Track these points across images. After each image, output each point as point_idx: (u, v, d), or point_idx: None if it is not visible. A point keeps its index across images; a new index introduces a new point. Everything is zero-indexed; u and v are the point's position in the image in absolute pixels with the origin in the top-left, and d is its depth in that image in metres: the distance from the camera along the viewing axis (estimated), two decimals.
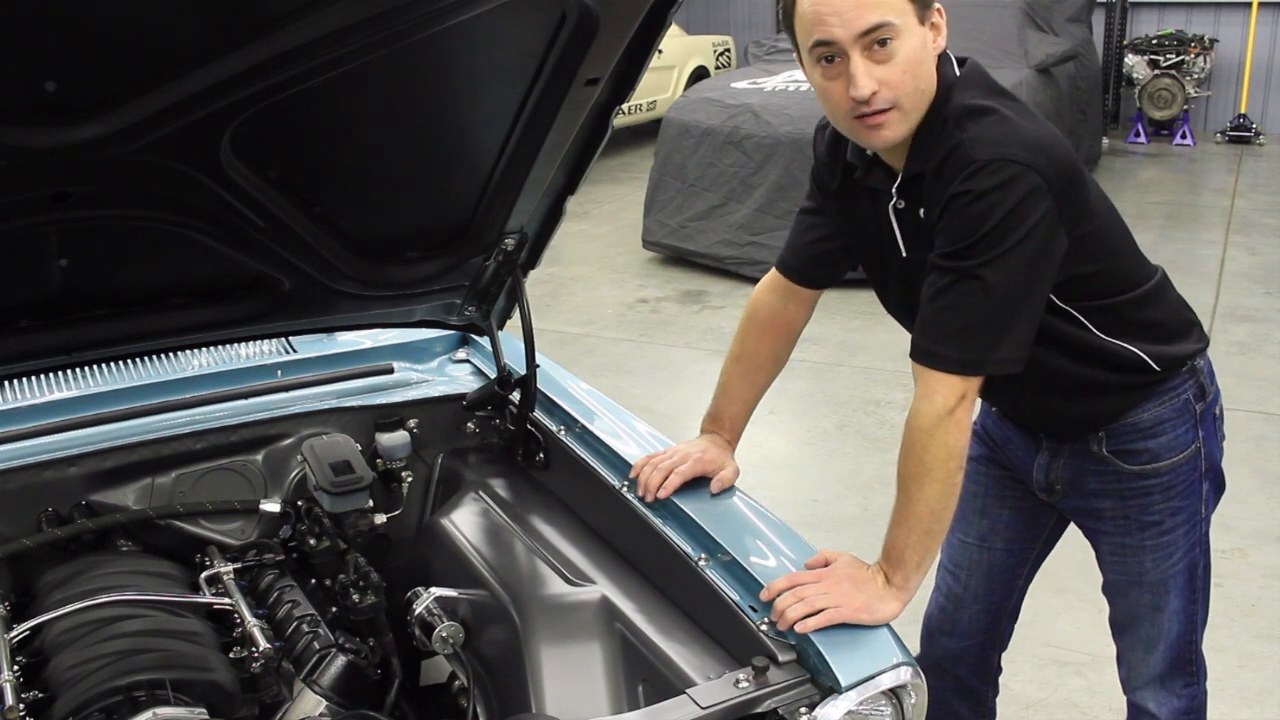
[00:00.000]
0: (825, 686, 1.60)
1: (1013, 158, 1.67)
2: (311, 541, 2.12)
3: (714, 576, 1.79)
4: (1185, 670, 2.11)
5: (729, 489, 1.99)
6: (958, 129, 1.72)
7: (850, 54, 1.67)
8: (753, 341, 2.14)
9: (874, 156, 1.87)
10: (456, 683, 1.96)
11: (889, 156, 1.83)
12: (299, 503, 2.21)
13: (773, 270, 2.14)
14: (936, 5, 1.74)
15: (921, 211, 1.79)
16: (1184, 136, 10.98)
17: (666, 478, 1.96)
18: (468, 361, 2.62)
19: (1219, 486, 2.08)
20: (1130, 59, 11.23)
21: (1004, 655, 2.41)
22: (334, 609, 2.04)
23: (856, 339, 5.85)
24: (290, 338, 2.54)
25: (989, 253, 1.67)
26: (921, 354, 1.75)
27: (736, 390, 2.13)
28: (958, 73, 1.80)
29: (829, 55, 1.69)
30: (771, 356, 2.14)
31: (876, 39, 1.66)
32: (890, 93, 1.69)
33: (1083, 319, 1.88)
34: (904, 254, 1.86)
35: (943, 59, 1.79)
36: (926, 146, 1.76)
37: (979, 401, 1.88)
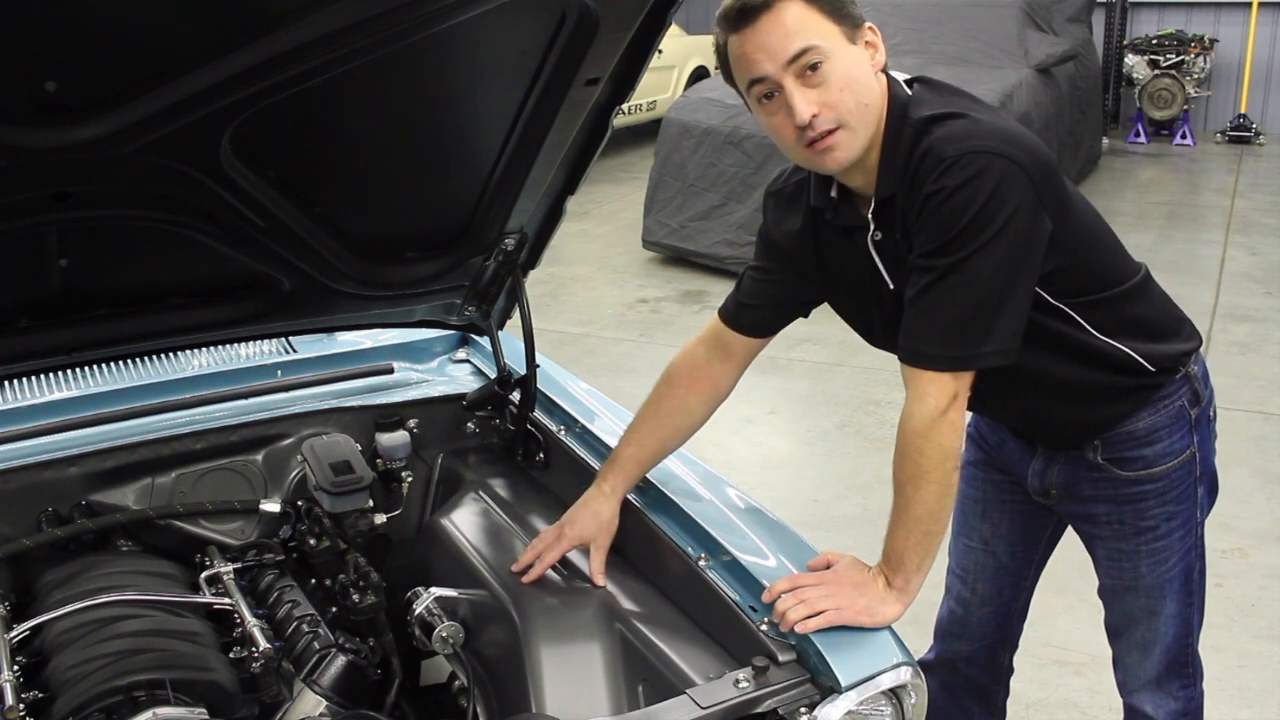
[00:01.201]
0: (825, 686, 1.60)
1: (983, 149, 1.66)
2: (311, 541, 2.12)
3: (714, 576, 1.79)
4: (1182, 673, 2.11)
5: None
6: (925, 135, 1.70)
7: (784, 84, 1.68)
8: (664, 387, 2.06)
9: (840, 195, 1.84)
10: (456, 683, 1.96)
11: (857, 185, 1.81)
12: (299, 503, 2.21)
13: (711, 321, 2.07)
14: (868, 24, 1.73)
15: (900, 235, 1.76)
16: (1184, 136, 10.99)
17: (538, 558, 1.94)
18: (468, 361, 2.62)
19: (1213, 490, 2.08)
20: (1130, 59, 11.25)
21: None
22: (334, 609, 2.04)
23: (856, 339, 5.79)
24: (290, 338, 2.54)
25: (970, 245, 1.65)
26: (910, 355, 1.73)
27: (634, 434, 2.04)
28: (909, 92, 1.78)
29: (767, 92, 1.71)
30: (682, 407, 2.04)
31: (806, 65, 1.67)
32: (831, 113, 1.69)
33: (1078, 317, 1.86)
34: (891, 286, 1.83)
35: (892, 81, 1.78)
36: (892, 165, 1.74)
37: None
